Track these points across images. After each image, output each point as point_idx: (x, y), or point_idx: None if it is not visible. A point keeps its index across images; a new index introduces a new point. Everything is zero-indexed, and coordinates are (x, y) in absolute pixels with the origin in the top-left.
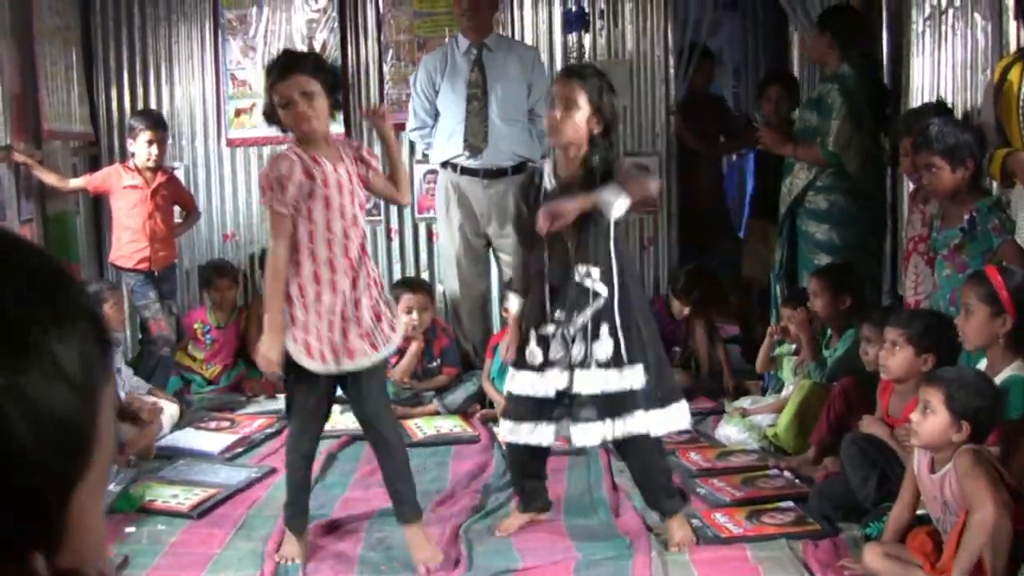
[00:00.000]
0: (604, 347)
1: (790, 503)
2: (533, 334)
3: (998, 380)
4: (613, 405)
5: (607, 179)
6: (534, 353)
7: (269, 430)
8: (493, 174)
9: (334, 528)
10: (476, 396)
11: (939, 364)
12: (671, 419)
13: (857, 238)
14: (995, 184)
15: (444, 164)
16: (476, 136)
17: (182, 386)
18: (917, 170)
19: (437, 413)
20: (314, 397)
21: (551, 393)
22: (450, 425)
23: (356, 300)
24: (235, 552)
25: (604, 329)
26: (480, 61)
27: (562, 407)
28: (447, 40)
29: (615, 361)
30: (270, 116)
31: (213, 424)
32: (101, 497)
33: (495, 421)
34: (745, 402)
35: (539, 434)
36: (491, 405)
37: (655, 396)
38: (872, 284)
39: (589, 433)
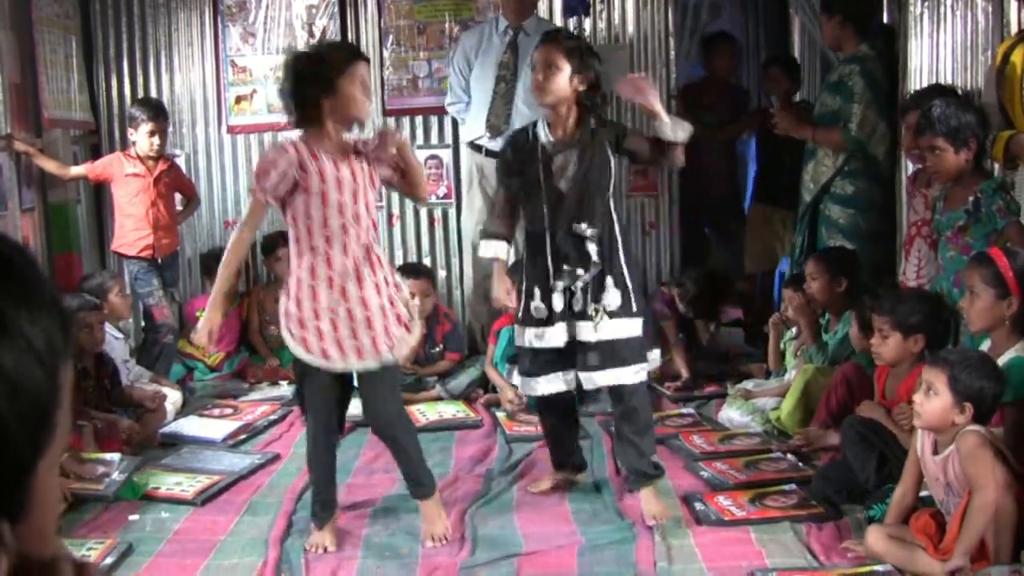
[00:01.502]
0: (612, 297)
1: (793, 486)
2: (537, 290)
3: (1001, 361)
4: (617, 353)
5: (607, 137)
6: (540, 309)
7: (272, 417)
8: None
9: (339, 514)
10: (479, 381)
11: (930, 342)
12: (651, 363)
13: (877, 223)
14: (997, 166)
15: (471, 145)
16: (499, 117)
17: (185, 373)
18: (920, 150)
19: (440, 398)
20: (323, 391)
21: (559, 343)
22: (453, 410)
23: (363, 299)
24: (239, 539)
25: (609, 281)
26: (515, 43)
27: (569, 358)
28: (488, 18)
29: (624, 311)
30: (305, 100)
31: (216, 411)
32: (56, 473)
33: (498, 406)
34: (748, 385)
35: (552, 384)
36: (494, 390)
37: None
38: (883, 267)
39: (596, 379)
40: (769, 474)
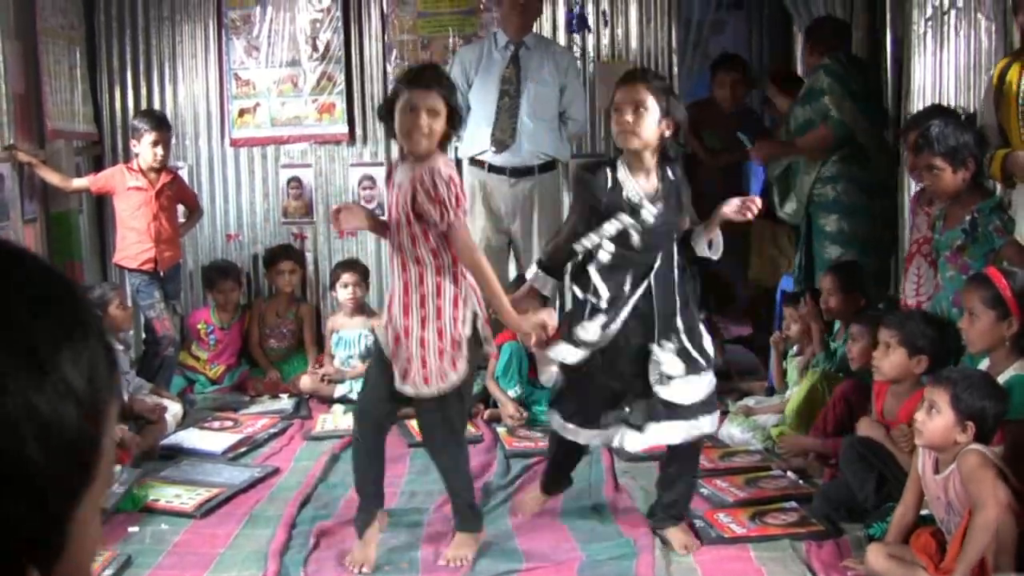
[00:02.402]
0: (675, 363)
1: (793, 503)
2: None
3: (1001, 380)
4: (682, 410)
5: (683, 195)
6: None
7: (272, 430)
8: (520, 172)
9: (337, 528)
10: (479, 396)
11: (932, 365)
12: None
13: (868, 230)
14: (998, 185)
15: (471, 161)
16: (504, 132)
17: (185, 386)
18: (918, 169)
19: None
20: (384, 378)
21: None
22: None
23: (407, 328)
24: (238, 552)
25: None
26: (517, 58)
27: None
28: (488, 34)
29: (692, 369)
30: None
31: (216, 424)
32: (100, 507)
33: (499, 421)
34: (749, 402)
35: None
36: (495, 405)
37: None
38: (878, 279)
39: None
40: (769, 491)
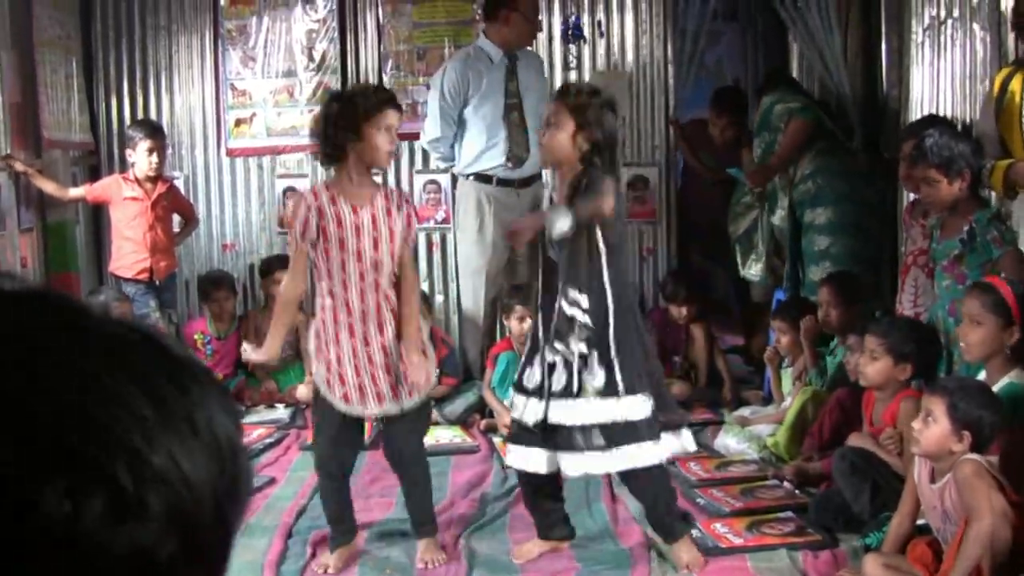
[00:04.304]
0: (597, 377)
1: (790, 513)
2: (537, 358)
3: (995, 388)
4: (615, 435)
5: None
6: (533, 375)
7: (268, 440)
8: (526, 182)
9: None
10: (476, 406)
11: (916, 374)
12: (676, 443)
13: (857, 218)
14: (994, 195)
15: (479, 176)
16: (520, 146)
17: None
18: (914, 180)
19: (436, 423)
20: (337, 424)
21: (532, 421)
22: (450, 435)
23: (383, 345)
24: (235, 562)
25: (595, 358)
26: (515, 71)
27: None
28: (471, 48)
29: (609, 391)
30: (332, 142)
31: None
32: None
33: (495, 431)
34: (744, 412)
35: (530, 461)
36: (491, 415)
37: (656, 424)
38: (870, 271)
39: (583, 463)
40: (766, 501)
